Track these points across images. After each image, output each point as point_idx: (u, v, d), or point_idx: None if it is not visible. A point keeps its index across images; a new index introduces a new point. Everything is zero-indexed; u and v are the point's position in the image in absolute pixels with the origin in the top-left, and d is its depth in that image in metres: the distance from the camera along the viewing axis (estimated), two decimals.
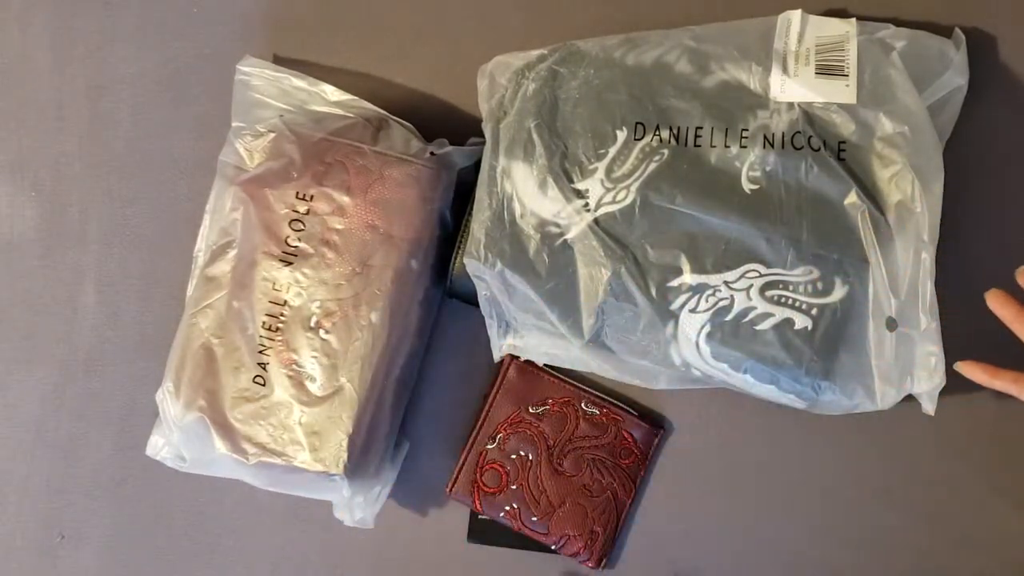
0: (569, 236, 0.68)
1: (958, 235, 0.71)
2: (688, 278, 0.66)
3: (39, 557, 0.83)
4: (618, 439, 0.76)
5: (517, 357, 0.76)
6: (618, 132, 0.68)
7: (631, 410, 0.76)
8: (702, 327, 0.66)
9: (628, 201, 0.67)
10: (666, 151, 0.68)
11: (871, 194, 0.65)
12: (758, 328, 0.65)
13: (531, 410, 0.76)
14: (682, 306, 0.66)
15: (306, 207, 0.71)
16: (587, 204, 0.68)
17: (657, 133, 0.68)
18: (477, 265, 0.69)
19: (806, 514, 0.76)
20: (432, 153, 0.74)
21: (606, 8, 0.78)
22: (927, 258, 0.63)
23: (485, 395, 0.77)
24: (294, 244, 0.71)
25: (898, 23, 0.70)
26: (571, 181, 0.68)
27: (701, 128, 0.68)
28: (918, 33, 0.69)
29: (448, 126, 0.78)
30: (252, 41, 0.82)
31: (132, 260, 0.83)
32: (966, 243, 0.73)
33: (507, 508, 0.76)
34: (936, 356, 0.63)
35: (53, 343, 0.83)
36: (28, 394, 0.83)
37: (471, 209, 0.71)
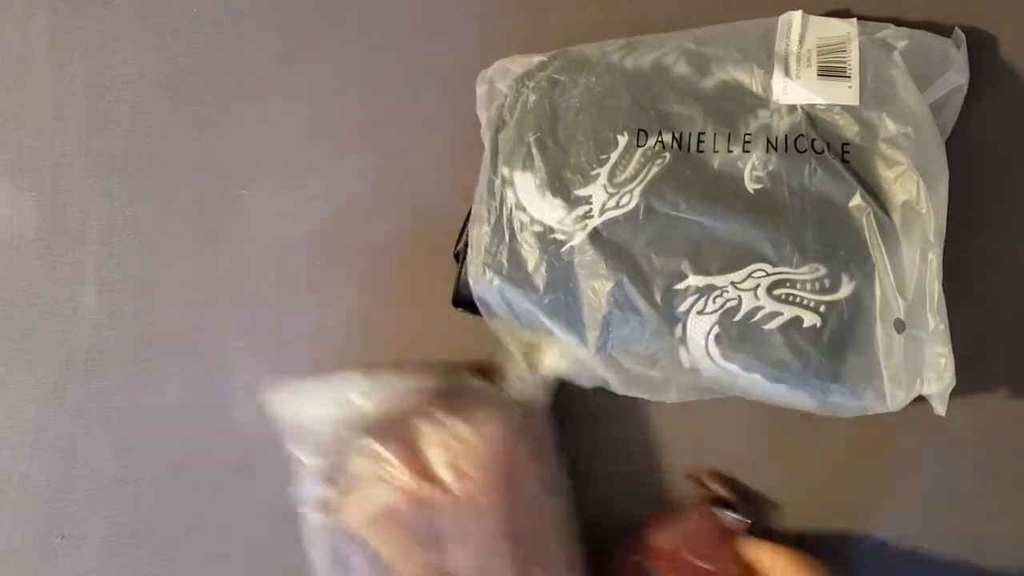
0: (571, 245, 0.67)
1: (958, 235, 0.72)
2: (694, 280, 0.65)
3: (39, 557, 0.83)
4: None
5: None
6: (619, 137, 0.68)
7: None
8: (710, 329, 0.65)
9: (632, 206, 0.67)
10: (668, 155, 0.67)
11: (876, 195, 0.65)
12: (766, 328, 0.65)
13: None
14: (689, 309, 0.65)
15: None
16: (590, 211, 0.67)
17: (660, 139, 0.68)
18: (478, 282, 0.68)
19: (809, 505, 0.76)
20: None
21: (606, 9, 0.78)
22: (934, 259, 0.63)
23: None
24: None
25: (898, 23, 0.70)
26: (574, 188, 0.68)
27: (703, 133, 0.67)
28: (919, 33, 0.69)
29: (448, 127, 0.78)
30: (252, 41, 0.82)
31: (132, 260, 0.83)
32: (966, 243, 0.73)
33: None
34: (945, 357, 0.62)
35: (53, 343, 0.83)
36: (28, 394, 0.83)
37: (467, 222, 0.71)
